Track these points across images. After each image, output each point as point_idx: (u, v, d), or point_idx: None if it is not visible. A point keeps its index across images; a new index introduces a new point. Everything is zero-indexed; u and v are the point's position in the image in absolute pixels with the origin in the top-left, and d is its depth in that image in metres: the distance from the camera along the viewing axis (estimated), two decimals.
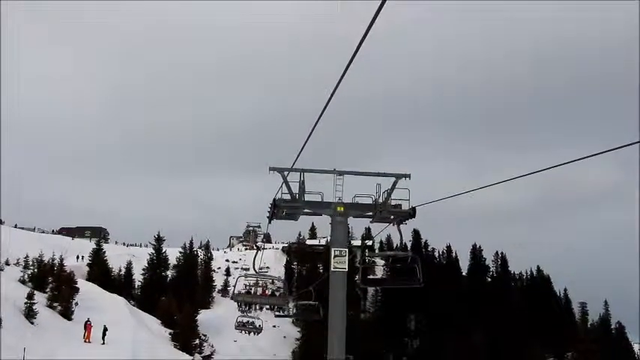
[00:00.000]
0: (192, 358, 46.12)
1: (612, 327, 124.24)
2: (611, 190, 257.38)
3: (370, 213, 17.36)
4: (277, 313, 38.93)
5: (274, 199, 16.59)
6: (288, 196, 16.64)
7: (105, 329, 40.19)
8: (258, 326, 34.95)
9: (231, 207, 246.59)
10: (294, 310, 31.35)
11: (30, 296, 41.48)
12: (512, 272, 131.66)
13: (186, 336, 51.45)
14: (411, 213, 16.49)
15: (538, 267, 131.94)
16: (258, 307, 34.20)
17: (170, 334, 52.37)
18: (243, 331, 36.23)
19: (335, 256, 16.30)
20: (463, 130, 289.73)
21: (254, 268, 31.94)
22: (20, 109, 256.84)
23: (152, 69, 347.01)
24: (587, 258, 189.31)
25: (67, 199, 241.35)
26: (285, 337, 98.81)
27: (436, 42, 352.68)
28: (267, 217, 17.68)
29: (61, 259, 55.08)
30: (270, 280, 34.36)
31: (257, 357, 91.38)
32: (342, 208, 16.56)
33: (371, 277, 16.93)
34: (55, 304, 46.66)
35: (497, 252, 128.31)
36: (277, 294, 38.40)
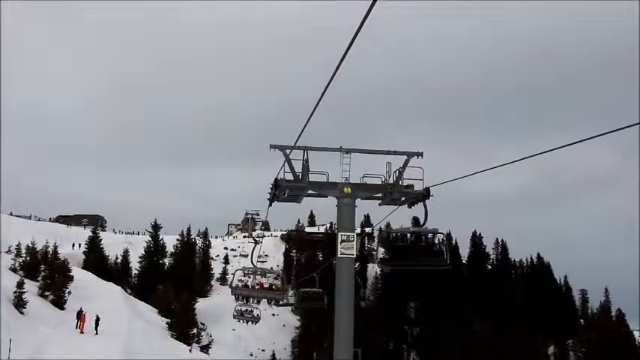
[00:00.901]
0: (189, 348, 44.73)
1: (613, 314, 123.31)
2: (610, 176, 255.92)
3: (379, 194, 16.05)
4: (281, 302, 37.97)
5: (276, 179, 15.19)
6: (290, 176, 15.26)
7: (97, 319, 38.65)
8: (256, 315, 34.58)
9: (230, 195, 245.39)
10: (297, 298, 29.76)
11: (20, 285, 39.67)
12: (512, 260, 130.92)
13: (183, 325, 50.03)
14: (425, 194, 15.12)
15: (538, 254, 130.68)
16: (256, 300, 33.53)
17: (167, 323, 50.96)
18: (241, 320, 35.66)
19: (342, 242, 14.97)
20: (464, 120, 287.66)
21: (252, 262, 31.59)
22: (20, 100, 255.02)
23: (152, 60, 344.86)
24: (588, 245, 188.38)
25: (66, 188, 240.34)
26: (284, 325, 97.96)
27: (434, 33, 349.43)
28: (268, 199, 16.30)
29: (55, 247, 53.53)
30: (269, 271, 33.93)
31: (256, 345, 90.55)
32: (349, 189, 15.22)
33: (390, 256, 15.16)
34: (47, 293, 44.86)
35: (497, 239, 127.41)
36: (276, 283, 37.72)
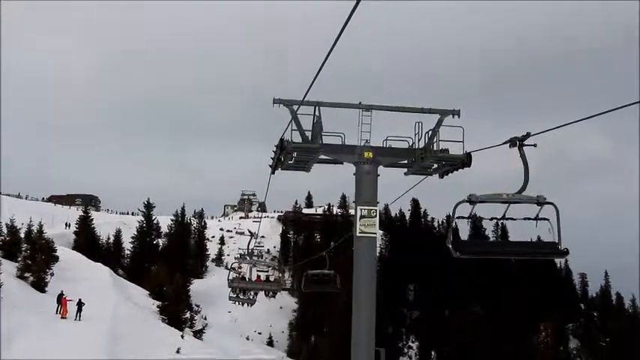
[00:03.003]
0: (181, 333, 41.91)
1: (612, 298, 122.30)
2: (608, 160, 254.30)
3: (406, 161, 13.27)
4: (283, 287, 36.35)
5: (281, 139, 12.29)
6: (298, 138, 12.40)
7: (80, 303, 35.72)
8: (252, 297, 33.17)
9: (226, 176, 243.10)
10: (304, 281, 26.65)
11: None
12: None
13: (175, 309, 47.11)
14: (465, 160, 12.30)
15: (539, 237, 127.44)
16: (252, 294, 32.27)
17: (158, 307, 48.11)
18: (237, 302, 34.26)
19: (362, 217, 12.22)
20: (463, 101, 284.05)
21: (248, 255, 30.07)
22: (16, 80, 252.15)
23: (148, 37, 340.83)
24: (587, 229, 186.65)
25: (60, 169, 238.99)
26: (281, 307, 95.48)
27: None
28: (270, 166, 13.49)
29: (40, 225, 50.42)
30: (266, 263, 33.48)
31: (252, 328, 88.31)
32: (370, 154, 12.42)
33: (471, 240, 11.65)
34: (27, 275, 41.86)
35: (497, 222, 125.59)
36: (273, 264, 36.56)
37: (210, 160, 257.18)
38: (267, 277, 34.46)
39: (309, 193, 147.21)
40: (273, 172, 13.62)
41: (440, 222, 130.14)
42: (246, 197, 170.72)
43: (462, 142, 12.20)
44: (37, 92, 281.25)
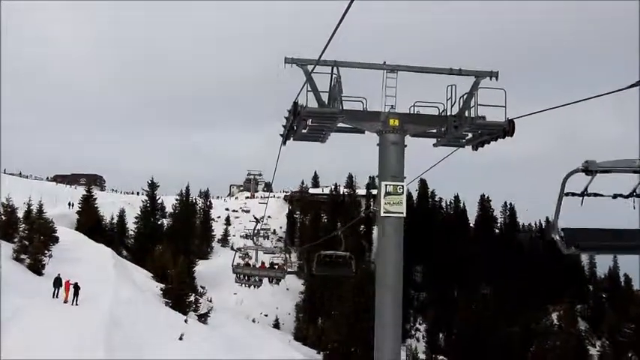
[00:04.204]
0: (185, 318, 40.43)
1: (621, 280, 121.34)
2: (618, 139, 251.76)
3: (434, 130, 11.61)
4: (289, 270, 35.36)
5: (295, 103, 10.58)
6: (314, 104, 10.70)
7: (76, 287, 34.15)
8: (258, 279, 32.14)
9: (232, 156, 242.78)
10: (316, 263, 24.80)
11: None
12: (521, 223, 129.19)
13: (179, 292, 45.59)
14: (507, 128, 10.60)
15: (547, 218, 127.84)
16: (257, 278, 31.29)
17: (162, 290, 46.65)
18: (243, 284, 33.30)
19: (387, 194, 10.60)
20: None
21: (253, 241, 29.02)
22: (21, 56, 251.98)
23: (153, 19, 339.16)
24: (597, 210, 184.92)
25: (66, 149, 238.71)
26: (288, 289, 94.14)
27: None
28: (281, 135, 11.82)
29: (40, 205, 48.79)
30: (270, 250, 33.36)
31: (258, 310, 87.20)
32: (396, 122, 10.74)
33: (592, 231, 8.16)
34: (24, 257, 40.26)
35: (505, 203, 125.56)
36: (280, 250, 35.90)
37: (216, 139, 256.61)
38: (272, 262, 33.45)
39: (315, 172, 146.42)
40: (284, 143, 11.93)
41: (448, 202, 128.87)
42: (252, 177, 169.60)
43: (505, 107, 10.52)
44: (38, 71, 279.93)
